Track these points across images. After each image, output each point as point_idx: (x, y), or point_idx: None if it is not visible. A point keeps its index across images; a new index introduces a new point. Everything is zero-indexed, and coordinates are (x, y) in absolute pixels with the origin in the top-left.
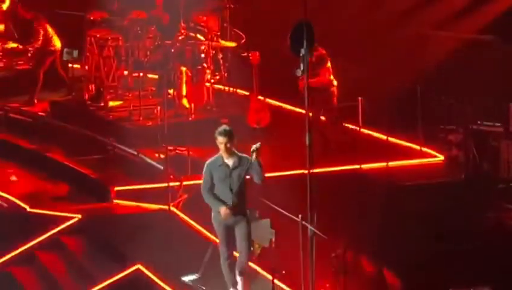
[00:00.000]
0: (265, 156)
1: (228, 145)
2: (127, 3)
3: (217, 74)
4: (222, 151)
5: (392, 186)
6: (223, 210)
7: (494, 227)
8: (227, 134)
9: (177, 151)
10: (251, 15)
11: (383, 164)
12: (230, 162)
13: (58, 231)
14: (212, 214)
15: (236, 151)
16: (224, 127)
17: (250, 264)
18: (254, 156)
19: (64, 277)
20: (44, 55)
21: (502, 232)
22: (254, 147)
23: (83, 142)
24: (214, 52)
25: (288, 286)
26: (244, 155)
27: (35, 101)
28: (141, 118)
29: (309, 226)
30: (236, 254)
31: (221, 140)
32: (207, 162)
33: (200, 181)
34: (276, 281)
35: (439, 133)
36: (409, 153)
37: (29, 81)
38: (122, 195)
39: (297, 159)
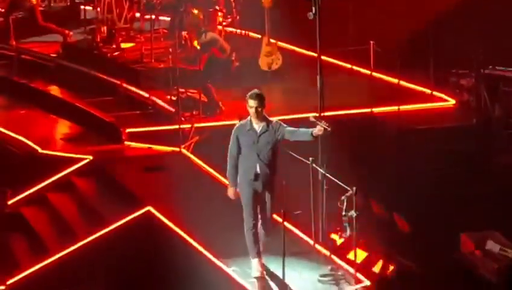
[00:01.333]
0: (277, 98)
1: (259, 109)
2: None
3: (229, 16)
4: (252, 116)
5: (403, 130)
6: (230, 191)
7: (504, 171)
8: (259, 98)
9: (188, 94)
10: None
11: (395, 108)
12: (258, 127)
13: (69, 172)
14: (239, 178)
15: (266, 116)
16: (255, 90)
17: None
18: (319, 132)
19: (74, 218)
20: None
21: None
22: (326, 126)
23: (95, 84)
24: None
25: (298, 228)
26: (274, 120)
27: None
28: (153, 60)
29: (320, 169)
30: None
31: (252, 104)
32: (236, 126)
33: (212, 123)
34: (286, 223)
35: (451, 78)
36: (420, 97)
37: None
38: (133, 137)
39: (309, 103)
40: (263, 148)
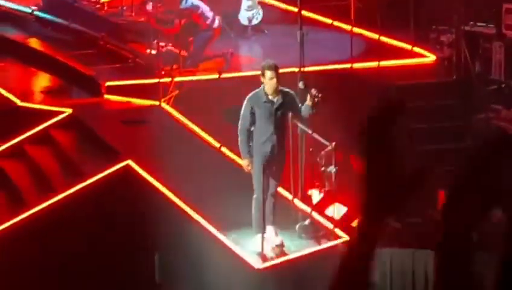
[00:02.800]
0: (257, 53)
1: (278, 81)
2: None
3: None
4: (270, 87)
5: (383, 86)
6: (245, 162)
7: (483, 128)
8: (277, 68)
9: (168, 47)
10: None
11: (375, 64)
12: (276, 99)
13: (49, 125)
14: (254, 148)
15: (281, 87)
16: (270, 61)
17: None
18: (311, 102)
19: (53, 171)
20: None
21: (491, 133)
22: (316, 94)
23: (75, 37)
24: None
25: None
26: (287, 90)
27: None
28: (133, 14)
29: (300, 125)
30: None
31: (271, 75)
32: (248, 96)
33: (191, 78)
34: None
35: (431, 34)
36: (400, 53)
37: None
38: (113, 90)
39: (290, 58)
40: (279, 120)
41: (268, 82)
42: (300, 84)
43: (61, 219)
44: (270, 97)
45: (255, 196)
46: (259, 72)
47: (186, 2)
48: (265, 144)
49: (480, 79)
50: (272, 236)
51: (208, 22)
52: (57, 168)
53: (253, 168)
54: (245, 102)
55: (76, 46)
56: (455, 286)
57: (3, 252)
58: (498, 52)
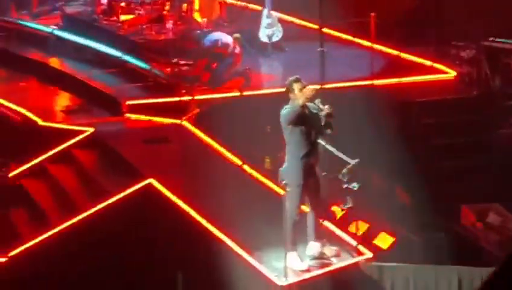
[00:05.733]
0: (277, 70)
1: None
2: None
3: None
4: (308, 98)
5: (404, 102)
6: None
7: (505, 143)
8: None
9: (188, 65)
10: None
11: (395, 80)
12: (312, 109)
13: (70, 145)
14: (292, 166)
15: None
16: (295, 76)
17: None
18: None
19: (75, 190)
20: None
21: None
22: (328, 110)
23: (95, 55)
24: None
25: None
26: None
27: None
28: (153, 33)
29: (321, 142)
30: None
31: (310, 86)
32: (289, 110)
33: (212, 96)
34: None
35: (451, 50)
36: (420, 69)
37: None
38: (134, 109)
39: (310, 75)
40: (317, 130)
41: (309, 93)
42: (317, 102)
43: (84, 238)
44: (307, 108)
45: (290, 219)
46: (280, 90)
47: (205, 42)
48: (309, 156)
49: (500, 94)
50: (297, 260)
51: (230, 49)
52: (79, 186)
53: (292, 186)
54: (291, 116)
55: (97, 65)
56: None
57: (28, 270)
58: None
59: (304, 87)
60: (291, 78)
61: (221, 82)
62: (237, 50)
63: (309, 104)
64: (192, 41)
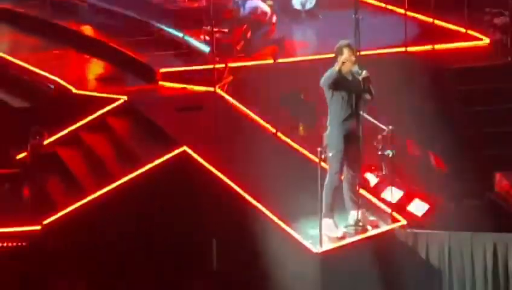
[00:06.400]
0: (311, 37)
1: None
2: None
3: None
4: (350, 65)
5: (439, 69)
6: None
7: None
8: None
9: (221, 33)
10: None
11: (429, 47)
12: (352, 75)
13: (104, 113)
14: (336, 131)
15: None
16: (347, 41)
17: None
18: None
19: (109, 158)
20: None
21: None
22: (365, 74)
23: (129, 24)
24: None
25: None
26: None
27: None
28: (186, 0)
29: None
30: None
31: (352, 52)
32: (330, 75)
33: (246, 63)
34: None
35: (485, 16)
36: (454, 36)
37: None
38: (168, 77)
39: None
40: (358, 96)
41: (350, 59)
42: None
43: (119, 205)
44: (349, 74)
45: (330, 184)
46: (314, 57)
47: (244, 9)
48: (350, 122)
49: None
50: (334, 227)
51: (267, 16)
52: (113, 155)
53: (335, 152)
54: (331, 80)
55: (131, 33)
56: None
57: (65, 236)
58: None
59: (353, 53)
60: (342, 42)
61: (256, 50)
62: (274, 19)
63: (353, 68)
64: (232, 8)
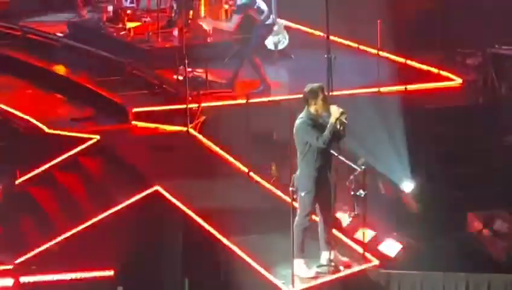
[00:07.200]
0: (284, 77)
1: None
2: None
3: None
4: (324, 108)
5: (411, 110)
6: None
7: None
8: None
9: (194, 73)
10: None
11: (402, 87)
12: (326, 119)
13: (77, 152)
14: (306, 177)
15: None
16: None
17: None
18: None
19: (82, 197)
20: None
21: None
22: (343, 116)
23: (101, 63)
24: None
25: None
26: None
27: None
28: (159, 40)
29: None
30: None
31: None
32: (304, 121)
33: (218, 103)
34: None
35: (457, 57)
36: (427, 77)
37: None
38: (140, 117)
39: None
40: (337, 140)
41: (322, 103)
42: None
43: (91, 245)
44: (323, 118)
45: (300, 226)
46: (285, 97)
47: None
48: (325, 167)
49: (507, 102)
50: (303, 268)
51: (262, 16)
52: (85, 194)
53: (306, 196)
54: (306, 127)
55: (103, 72)
56: None
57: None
58: None
59: (325, 97)
60: (315, 85)
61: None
62: (270, 21)
63: (324, 112)
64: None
